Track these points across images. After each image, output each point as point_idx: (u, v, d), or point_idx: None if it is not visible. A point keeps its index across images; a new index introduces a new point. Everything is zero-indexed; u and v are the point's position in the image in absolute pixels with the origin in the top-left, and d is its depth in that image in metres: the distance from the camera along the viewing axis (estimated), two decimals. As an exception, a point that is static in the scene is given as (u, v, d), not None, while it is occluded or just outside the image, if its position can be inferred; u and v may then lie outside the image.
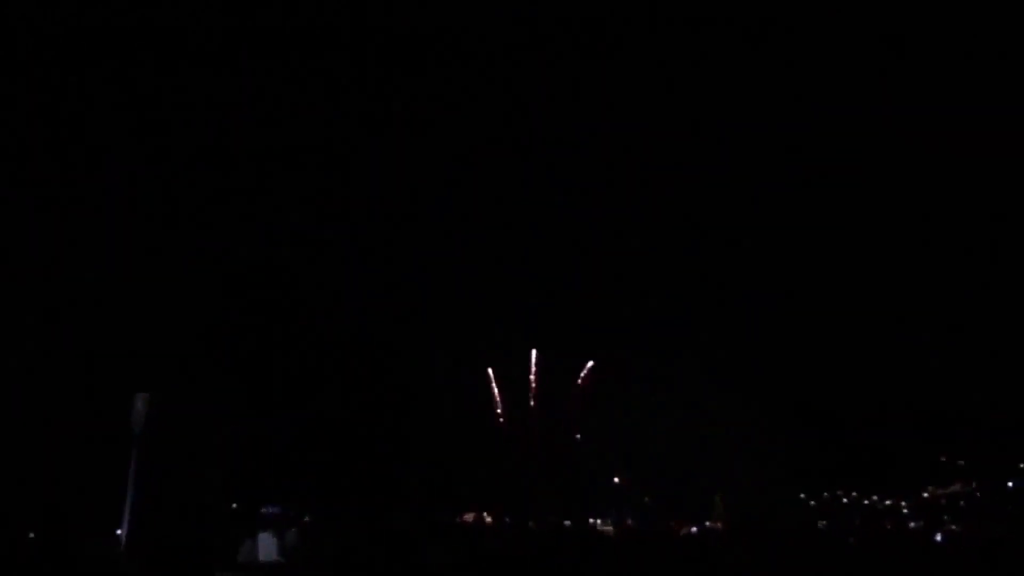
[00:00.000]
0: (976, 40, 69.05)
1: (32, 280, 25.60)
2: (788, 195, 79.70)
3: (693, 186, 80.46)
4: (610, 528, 43.85)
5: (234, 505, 29.12)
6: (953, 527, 49.77)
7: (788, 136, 79.63)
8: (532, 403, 64.32)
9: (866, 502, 65.45)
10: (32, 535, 22.46)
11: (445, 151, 75.31)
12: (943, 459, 62.67)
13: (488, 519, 34.58)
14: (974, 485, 61.89)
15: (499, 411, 66.73)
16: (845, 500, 67.01)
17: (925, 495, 63.66)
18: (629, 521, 54.29)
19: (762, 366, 66.30)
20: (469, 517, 36.24)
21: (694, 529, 43.30)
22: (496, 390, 69.07)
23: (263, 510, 30.80)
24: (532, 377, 72.19)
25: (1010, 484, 59.35)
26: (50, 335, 25.37)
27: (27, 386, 24.02)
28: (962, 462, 62.88)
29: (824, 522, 57.13)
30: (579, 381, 68.09)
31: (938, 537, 30.00)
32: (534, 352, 73.14)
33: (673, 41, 76.85)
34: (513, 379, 70.35)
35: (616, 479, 63.07)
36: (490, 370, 70.27)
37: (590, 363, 70.28)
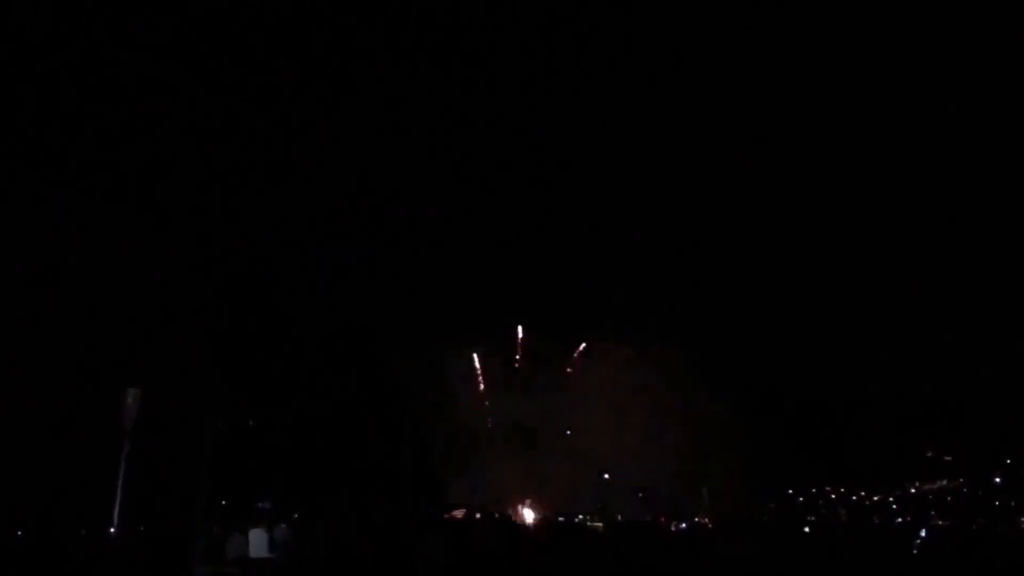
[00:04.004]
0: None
1: (21, 275, 25.52)
2: (768, 188, 79.98)
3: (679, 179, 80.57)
4: (600, 524, 44.04)
5: (223, 501, 29.12)
6: (940, 522, 50.18)
7: (768, 127, 79.93)
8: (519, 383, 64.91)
9: (854, 498, 65.89)
10: (20, 532, 22.39)
11: (433, 145, 75.17)
12: (929, 454, 63.13)
13: (477, 515, 34.70)
14: (961, 480, 62.37)
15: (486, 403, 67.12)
16: (833, 496, 67.44)
17: (912, 491, 64.12)
18: (619, 517, 54.45)
19: (747, 362, 66.66)
20: (458, 513, 36.32)
21: (683, 525, 43.53)
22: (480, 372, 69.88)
23: (253, 505, 30.81)
24: (518, 358, 73.04)
25: (997, 480, 59.87)
26: (39, 331, 25.28)
27: (16, 383, 23.93)
28: (949, 458, 63.36)
29: (812, 517, 57.49)
30: (568, 368, 68.55)
31: (923, 532, 30.28)
32: (520, 329, 74.10)
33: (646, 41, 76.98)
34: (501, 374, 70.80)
35: (606, 475, 63.33)
36: (475, 356, 70.93)
37: (582, 345, 70.93)
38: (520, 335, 74.76)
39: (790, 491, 64.51)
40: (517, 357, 74.42)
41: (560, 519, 47.05)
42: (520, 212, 79.86)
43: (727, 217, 78.99)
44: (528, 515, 51.55)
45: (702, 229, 77.43)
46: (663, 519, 46.76)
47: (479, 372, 68.51)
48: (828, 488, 67.22)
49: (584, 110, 78.48)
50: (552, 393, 65.65)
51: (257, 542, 20.04)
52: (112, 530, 17.84)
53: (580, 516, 53.41)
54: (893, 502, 63.07)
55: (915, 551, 26.26)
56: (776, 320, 72.77)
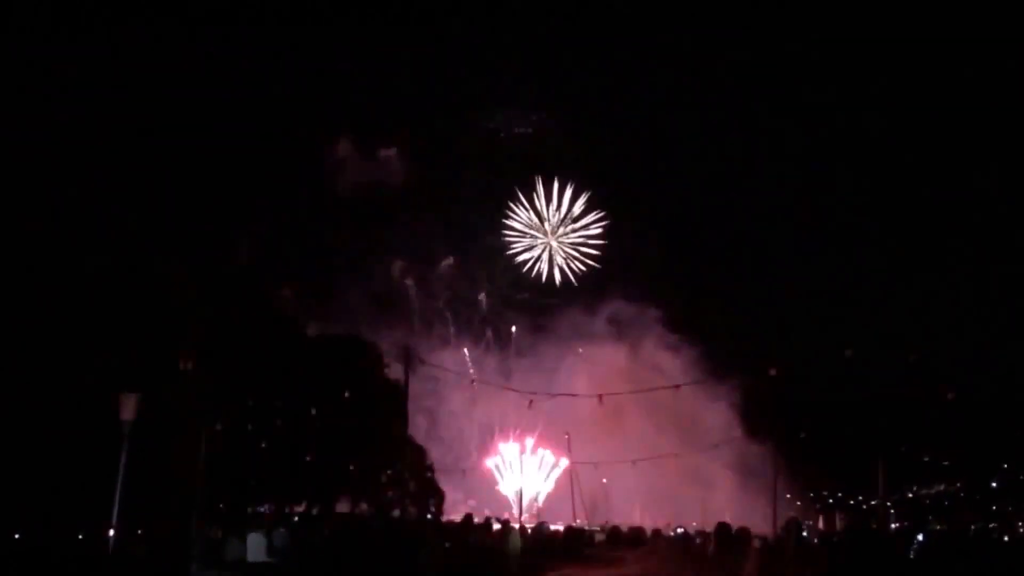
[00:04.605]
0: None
1: (19, 277, 25.47)
2: (770, 192, 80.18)
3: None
4: (598, 528, 44.02)
5: (221, 505, 29.04)
6: (938, 527, 50.16)
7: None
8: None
9: (851, 502, 65.91)
10: (17, 536, 22.34)
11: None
12: (927, 459, 63.23)
13: (477, 519, 34.68)
14: (958, 485, 62.42)
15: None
16: (831, 500, 67.49)
17: (910, 495, 64.17)
18: (616, 522, 54.41)
19: (744, 365, 66.66)
20: (458, 517, 36.31)
21: (680, 530, 43.50)
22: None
23: (251, 509, 30.76)
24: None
25: (994, 484, 59.92)
26: (36, 334, 25.22)
27: (12, 386, 23.88)
28: (946, 462, 63.44)
29: (809, 522, 57.45)
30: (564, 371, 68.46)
31: (920, 536, 30.28)
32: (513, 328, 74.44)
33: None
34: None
35: (604, 480, 63.27)
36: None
37: (580, 350, 70.92)
38: (513, 332, 74.81)
39: (788, 495, 64.43)
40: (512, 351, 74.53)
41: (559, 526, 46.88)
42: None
43: (726, 216, 79.11)
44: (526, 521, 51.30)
45: (699, 226, 77.52)
46: (663, 526, 46.59)
47: (471, 371, 68.36)
48: (826, 492, 67.25)
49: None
50: (548, 396, 65.47)
51: (255, 546, 19.99)
52: (111, 533, 17.78)
53: (577, 521, 53.24)
54: (891, 506, 63.05)
55: (912, 555, 26.25)
56: (774, 322, 72.92)
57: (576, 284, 76.61)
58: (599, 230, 77.34)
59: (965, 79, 73.69)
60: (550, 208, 77.98)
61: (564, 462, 63.71)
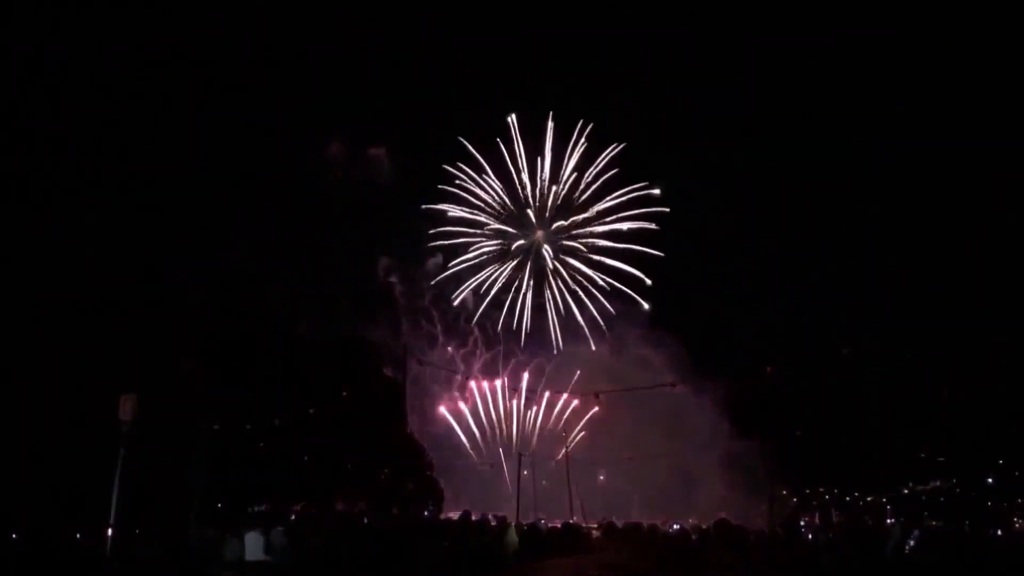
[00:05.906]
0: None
1: (20, 279, 25.56)
2: (764, 192, 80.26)
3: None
4: (595, 525, 44.12)
5: (219, 504, 29.16)
6: (933, 523, 50.27)
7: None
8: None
9: (848, 499, 66.01)
10: (15, 536, 22.42)
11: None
12: (923, 455, 63.30)
13: (474, 517, 34.81)
14: (954, 481, 62.51)
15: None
16: (827, 496, 67.56)
17: (905, 491, 64.27)
18: (614, 519, 54.52)
19: (738, 362, 66.75)
20: (455, 515, 36.43)
21: (676, 526, 43.60)
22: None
23: (249, 508, 30.86)
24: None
25: (990, 480, 60.00)
26: (35, 335, 25.31)
27: (11, 387, 23.97)
28: (942, 458, 63.54)
29: (805, 519, 57.56)
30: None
31: (916, 533, 30.41)
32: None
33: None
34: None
35: (601, 477, 63.38)
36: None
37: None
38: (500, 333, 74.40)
39: (784, 491, 64.57)
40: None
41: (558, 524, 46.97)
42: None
43: (719, 213, 79.16)
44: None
45: (691, 222, 77.51)
46: (661, 522, 46.71)
47: (463, 371, 68.18)
48: (823, 489, 67.34)
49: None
50: (541, 394, 65.59)
51: (253, 545, 20.06)
52: (109, 533, 17.88)
53: (574, 518, 53.33)
54: (887, 502, 63.21)
55: (907, 551, 26.37)
56: (769, 319, 73.00)
57: (589, 330, 68.99)
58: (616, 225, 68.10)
59: (965, 79, 73.95)
60: (538, 181, 69.52)
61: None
